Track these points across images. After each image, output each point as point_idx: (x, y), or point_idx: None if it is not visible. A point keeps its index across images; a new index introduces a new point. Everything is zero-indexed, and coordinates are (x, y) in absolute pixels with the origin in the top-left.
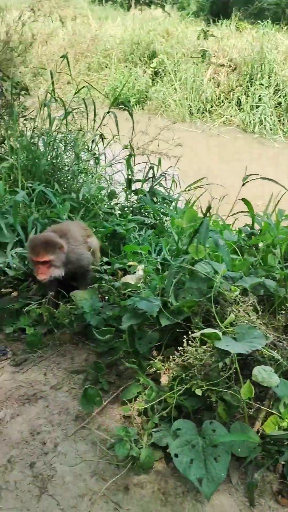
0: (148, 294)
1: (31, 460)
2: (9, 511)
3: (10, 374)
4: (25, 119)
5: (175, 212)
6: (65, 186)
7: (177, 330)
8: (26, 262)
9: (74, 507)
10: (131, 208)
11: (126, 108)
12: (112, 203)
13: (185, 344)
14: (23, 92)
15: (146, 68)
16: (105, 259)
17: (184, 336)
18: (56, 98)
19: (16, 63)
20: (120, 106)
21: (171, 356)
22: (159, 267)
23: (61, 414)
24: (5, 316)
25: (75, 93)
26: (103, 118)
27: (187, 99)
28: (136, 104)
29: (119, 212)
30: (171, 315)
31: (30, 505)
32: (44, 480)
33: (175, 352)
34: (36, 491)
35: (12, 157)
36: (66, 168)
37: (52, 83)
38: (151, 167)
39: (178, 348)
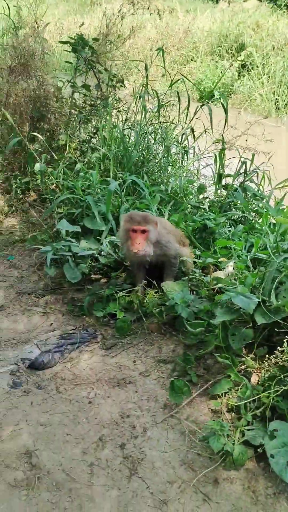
0: (244, 290)
1: (122, 441)
2: (101, 487)
3: (100, 357)
4: (118, 111)
5: (266, 210)
6: (153, 177)
7: (275, 329)
8: (117, 250)
9: (163, 493)
10: (219, 203)
11: (209, 102)
12: (200, 197)
13: (285, 345)
14: (118, 85)
15: (233, 61)
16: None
17: (286, 336)
18: (150, 90)
19: (112, 56)
20: (204, 100)
21: (267, 355)
22: (250, 264)
23: (149, 401)
24: (95, 301)
25: (170, 86)
26: (196, 112)
27: (274, 93)
28: (220, 98)
29: (208, 206)
30: (268, 313)
31: (120, 484)
32: (134, 462)
33: (275, 351)
34: (126, 471)
35: (104, 148)
36: (155, 160)
37: (146, 76)
38: (244, 163)
39: (274, 347)
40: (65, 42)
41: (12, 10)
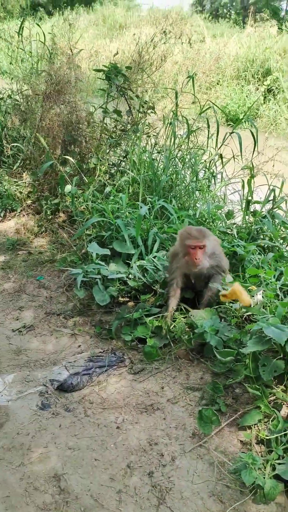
0: (275, 321)
1: (150, 469)
2: None
3: (128, 381)
4: (148, 136)
5: None
6: (180, 202)
7: None
8: (145, 274)
9: None
10: (247, 230)
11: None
12: (228, 223)
13: None
14: (149, 111)
15: (258, 85)
16: None
17: None
18: (180, 117)
19: (143, 83)
20: (229, 123)
21: None
22: (279, 292)
23: (178, 429)
24: (123, 324)
25: (200, 114)
26: (225, 138)
27: None
28: (245, 122)
29: (236, 232)
30: None
31: None
32: (163, 491)
33: None
34: (154, 500)
35: (134, 171)
36: (183, 185)
37: (176, 104)
38: (273, 190)
39: None
40: (99, 70)
41: (47, 36)
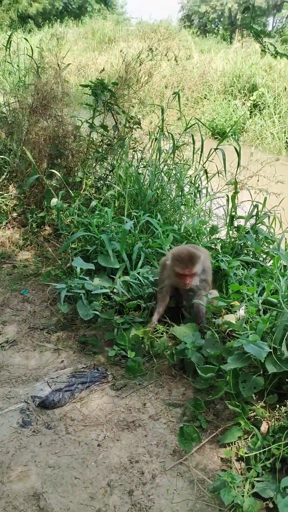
0: (255, 338)
1: (130, 487)
2: None
3: (110, 397)
4: (134, 151)
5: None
6: (166, 216)
7: (287, 379)
8: (130, 290)
9: None
10: (231, 245)
11: (219, 138)
12: (212, 238)
13: None
14: (135, 126)
15: (245, 100)
16: None
17: None
18: (167, 133)
19: (130, 98)
20: (215, 136)
21: (277, 405)
22: (261, 308)
23: (159, 446)
24: (106, 333)
25: (185, 130)
26: (210, 154)
27: (285, 133)
28: (231, 136)
29: (220, 247)
30: (278, 362)
31: None
32: (142, 510)
33: (286, 401)
34: None
35: (119, 186)
36: (169, 199)
37: (162, 119)
38: (256, 206)
39: (284, 395)
40: (85, 86)
41: (35, 50)
